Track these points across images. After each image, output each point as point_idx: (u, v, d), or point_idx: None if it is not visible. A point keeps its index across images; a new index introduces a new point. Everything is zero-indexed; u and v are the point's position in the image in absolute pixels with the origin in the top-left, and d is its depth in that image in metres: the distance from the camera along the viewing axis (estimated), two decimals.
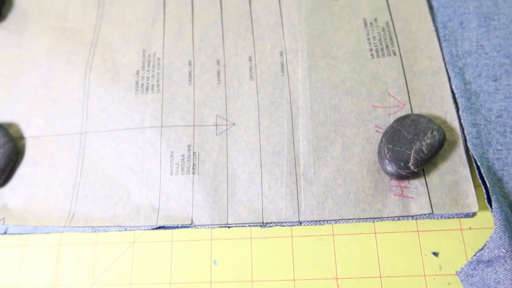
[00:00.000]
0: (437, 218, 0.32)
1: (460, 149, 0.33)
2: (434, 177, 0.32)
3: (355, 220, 0.32)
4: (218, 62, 0.39)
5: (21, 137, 0.39)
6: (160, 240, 0.35)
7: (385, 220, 0.32)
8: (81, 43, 0.41)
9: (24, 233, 0.35)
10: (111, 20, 0.42)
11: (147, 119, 0.37)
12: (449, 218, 0.32)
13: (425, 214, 0.32)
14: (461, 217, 0.32)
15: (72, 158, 0.37)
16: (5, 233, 0.36)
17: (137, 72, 0.39)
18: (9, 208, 0.36)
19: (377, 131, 0.35)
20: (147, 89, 0.38)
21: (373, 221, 0.33)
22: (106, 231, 0.35)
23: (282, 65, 0.38)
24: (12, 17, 0.44)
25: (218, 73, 0.38)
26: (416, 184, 0.32)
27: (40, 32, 0.42)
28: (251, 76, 0.38)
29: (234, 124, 0.36)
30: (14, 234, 0.36)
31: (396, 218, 0.32)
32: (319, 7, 0.39)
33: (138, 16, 0.42)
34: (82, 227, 0.35)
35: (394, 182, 0.33)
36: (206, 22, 0.40)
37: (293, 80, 0.37)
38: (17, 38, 0.42)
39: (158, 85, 0.38)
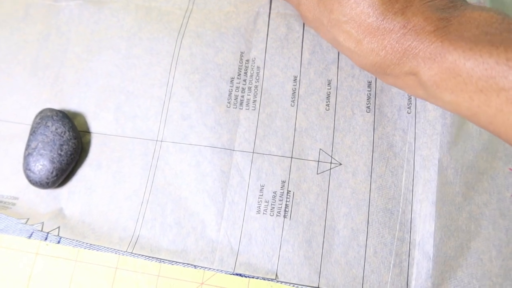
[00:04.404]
0: None
1: None
2: None
3: None
4: (329, 83, 0.32)
5: (86, 132, 0.33)
6: (233, 287, 0.29)
7: None
8: (167, 29, 0.35)
9: (79, 247, 0.31)
10: (206, 7, 0.35)
11: (238, 140, 0.31)
12: None
13: None
14: None
15: (142, 168, 0.32)
16: (58, 242, 0.31)
17: (231, 80, 0.33)
18: (66, 214, 0.31)
19: None
20: (241, 104, 0.32)
21: None
22: (172, 265, 0.30)
23: (410, 100, 0.31)
24: None
25: (328, 96, 0.31)
26: None
27: (122, 8, 0.36)
28: (368, 107, 0.31)
29: (340, 164, 0.30)
30: (68, 245, 0.31)
31: None
32: None
33: (238, 8, 0.35)
34: (145, 256, 0.30)
35: None
36: None
37: (421, 121, 0.30)
38: (94, 12, 0.36)
39: (254, 101, 0.32)
